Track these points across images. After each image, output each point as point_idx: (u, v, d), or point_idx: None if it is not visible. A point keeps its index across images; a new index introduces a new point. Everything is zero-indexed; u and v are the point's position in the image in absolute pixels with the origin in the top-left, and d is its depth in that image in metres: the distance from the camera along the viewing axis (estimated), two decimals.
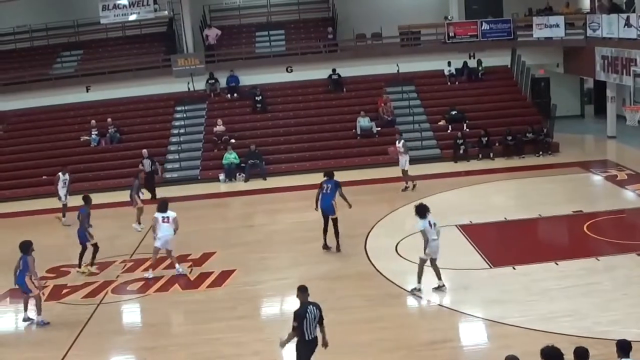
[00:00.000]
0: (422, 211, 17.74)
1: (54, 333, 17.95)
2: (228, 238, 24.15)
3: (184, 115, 38.18)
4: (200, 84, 39.09)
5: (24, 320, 18.89)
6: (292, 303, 17.85)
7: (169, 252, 21.25)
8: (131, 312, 19.66)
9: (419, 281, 18.04)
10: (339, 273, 19.95)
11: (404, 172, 29.03)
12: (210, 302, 18.92)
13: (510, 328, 15.79)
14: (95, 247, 22.16)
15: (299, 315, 12.97)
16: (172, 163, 35.18)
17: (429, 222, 17.72)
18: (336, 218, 21.84)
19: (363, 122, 35.28)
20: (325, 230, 21.99)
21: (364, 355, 15.08)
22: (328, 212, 21.77)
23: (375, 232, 23.54)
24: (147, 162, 31.14)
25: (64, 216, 28.17)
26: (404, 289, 18.39)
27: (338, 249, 21.89)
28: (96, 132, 36.61)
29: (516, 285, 18.30)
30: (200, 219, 27.32)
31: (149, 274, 21.09)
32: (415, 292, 18.06)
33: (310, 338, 13.04)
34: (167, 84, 38.89)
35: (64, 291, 20.76)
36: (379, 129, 35.33)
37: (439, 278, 18.08)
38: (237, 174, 33.39)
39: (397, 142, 29.45)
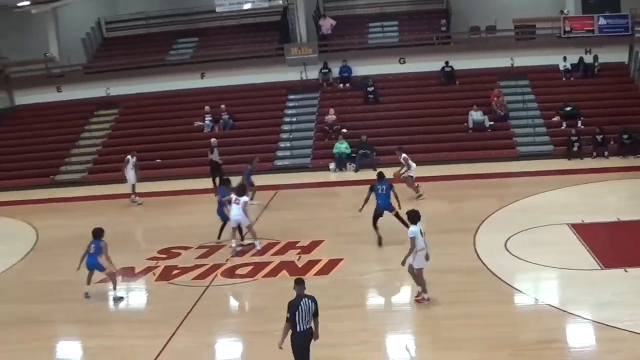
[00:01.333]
0: (414, 217, 17.31)
1: (164, 313, 18.36)
2: (337, 227, 24.23)
3: (297, 103, 38.48)
4: (313, 73, 39.32)
5: (87, 296, 19.72)
6: (399, 294, 17.93)
7: (249, 227, 22.65)
8: (239, 296, 19.98)
9: (425, 290, 17.48)
10: (446, 267, 19.72)
11: (407, 179, 28.03)
12: (317, 289, 18.83)
13: (619, 332, 15.30)
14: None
15: (292, 306, 13.24)
16: (283, 151, 35.55)
17: (420, 230, 17.24)
18: (397, 212, 22.07)
19: (475, 115, 34.92)
20: (376, 226, 22.22)
21: (469, 351, 14.89)
22: (388, 210, 22.17)
23: (485, 227, 23.23)
24: (216, 151, 31.71)
25: (135, 195, 30.17)
26: (512, 286, 18.18)
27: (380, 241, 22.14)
28: (210, 118, 37.27)
29: (627, 287, 17.74)
30: (310, 207, 27.53)
31: (257, 244, 22.44)
32: (426, 301, 17.49)
33: (302, 329, 13.23)
34: (280, 73, 39.25)
35: (174, 272, 21.25)
36: (492, 123, 34.92)
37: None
38: (348, 164, 33.49)
39: (399, 157, 28.51)
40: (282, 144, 36.01)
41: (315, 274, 20.08)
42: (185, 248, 23.28)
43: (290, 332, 13.27)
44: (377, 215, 22.27)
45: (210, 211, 24.14)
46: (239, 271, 20.89)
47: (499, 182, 29.22)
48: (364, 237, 22.60)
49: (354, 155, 33.56)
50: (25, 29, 43.51)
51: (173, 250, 23.22)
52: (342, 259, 20.96)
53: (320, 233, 23.50)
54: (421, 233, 17.16)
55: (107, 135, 38.96)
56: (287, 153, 35.52)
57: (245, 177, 27.27)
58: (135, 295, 20.80)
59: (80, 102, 40.98)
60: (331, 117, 35.93)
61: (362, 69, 39.13)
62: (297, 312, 13.17)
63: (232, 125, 37.20)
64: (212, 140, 32.39)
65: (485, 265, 19.66)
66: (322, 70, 39.26)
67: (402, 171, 28.02)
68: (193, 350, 16.12)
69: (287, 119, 37.59)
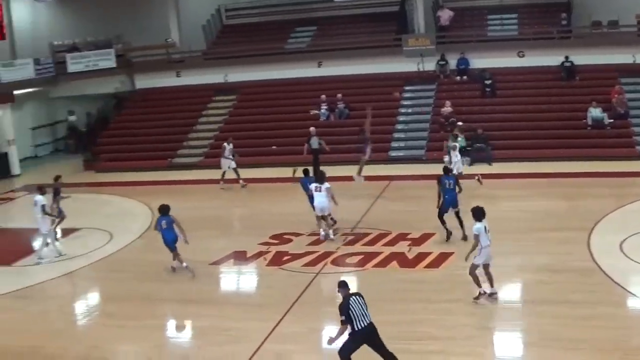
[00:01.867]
0: (478, 214, 17.25)
1: (273, 297, 18.66)
2: (448, 220, 23.98)
3: (413, 94, 38.31)
4: (429, 65, 39.02)
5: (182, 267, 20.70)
6: (509, 291, 17.76)
7: (328, 216, 23.13)
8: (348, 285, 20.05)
9: (480, 285, 17.40)
10: (559, 266, 19.45)
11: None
12: (426, 282, 18.98)
13: None
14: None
15: (344, 307, 13.37)
16: (398, 142, 35.39)
17: (485, 227, 17.17)
18: (458, 210, 22.08)
19: (594, 112, 34.08)
20: (443, 221, 22.24)
21: (576, 352, 14.62)
22: (453, 206, 22.19)
23: (601, 227, 22.65)
24: (314, 140, 31.87)
25: (241, 179, 31.15)
26: (626, 289, 17.75)
27: (464, 237, 21.72)
28: (326, 107, 37.51)
29: None
30: (423, 199, 27.20)
31: (329, 234, 22.97)
32: (482, 295, 17.45)
33: (360, 327, 13.29)
34: (396, 63, 39.06)
35: (285, 258, 21.59)
36: (612, 121, 34.03)
37: (492, 285, 17.46)
38: (462, 157, 33.12)
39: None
40: (396, 135, 35.90)
41: (426, 267, 20.09)
42: (297, 234, 23.59)
43: (349, 331, 13.44)
44: (443, 211, 22.21)
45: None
46: (349, 260, 21.06)
47: (618, 181, 28.54)
48: None
49: (468, 148, 33.21)
50: (147, 14, 44.69)
51: (285, 236, 23.56)
52: (452, 253, 20.77)
53: (432, 226, 23.29)
54: (485, 230, 17.15)
55: (224, 121, 39.67)
56: (402, 144, 35.34)
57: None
58: (246, 279, 21.25)
59: (198, 87, 41.85)
60: (447, 109, 35.64)
61: (479, 61, 38.59)
62: (350, 312, 13.31)
63: (347, 114, 37.34)
64: (311, 129, 32.60)
65: (599, 266, 19.22)
66: (439, 62, 38.99)
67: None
68: (300, 336, 16.34)
69: (402, 110, 37.44)
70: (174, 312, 18.79)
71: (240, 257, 22.17)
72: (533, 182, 28.77)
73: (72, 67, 41.85)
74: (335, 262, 20.96)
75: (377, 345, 13.52)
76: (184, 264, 20.52)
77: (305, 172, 24.95)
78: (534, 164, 31.23)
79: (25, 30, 44.71)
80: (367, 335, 13.42)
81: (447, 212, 22.16)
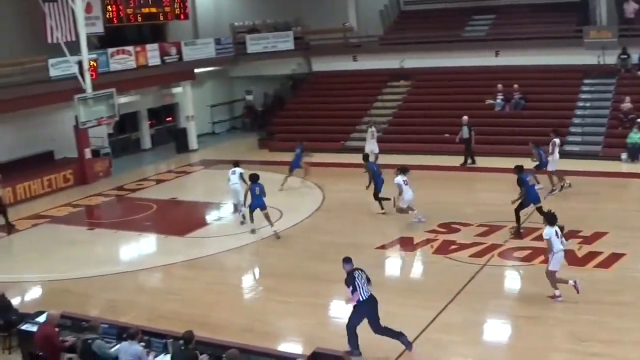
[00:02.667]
0: (551, 219, 17.10)
1: (438, 285, 18.70)
2: (622, 220, 23.22)
3: (591, 88, 37.21)
4: (610, 58, 37.75)
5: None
6: None
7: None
8: (514, 279, 19.85)
9: (561, 283, 17.26)
10: None
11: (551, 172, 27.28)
12: (595, 282, 18.46)
13: None
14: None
15: (350, 279, 14.97)
16: (574, 136, 34.36)
17: (555, 231, 16.84)
18: (541, 206, 21.85)
19: None
20: (518, 217, 22.33)
21: None
22: (535, 201, 22.16)
23: None
24: (464, 129, 31.94)
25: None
26: None
27: (519, 232, 21.96)
28: (501, 97, 36.98)
29: None
30: (596, 196, 26.56)
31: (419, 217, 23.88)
32: (558, 298, 17.24)
33: (364, 298, 14.84)
34: (576, 56, 37.85)
35: (452, 247, 21.58)
36: None
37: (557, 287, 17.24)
38: None
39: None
40: (573, 129, 34.87)
41: (595, 266, 19.53)
42: (466, 225, 23.48)
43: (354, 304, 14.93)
44: (524, 206, 22.18)
45: (493, 190, 24.05)
46: (516, 254, 20.78)
47: None
48: None
49: None
50: None
51: (453, 226, 23.51)
52: (625, 254, 20.10)
53: (604, 225, 22.68)
54: (557, 234, 16.93)
55: (397, 107, 39.75)
56: (578, 139, 34.27)
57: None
58: (410, 266, 21.32)
59: (374, 72, 42.05)
60: (627, 105, 34.37)
61: None
62: (355, 283, 14.81)
63: (523, 105, 36.68)
64: (464, 118, 32.36)
65: None
66: (621, 56, 37.59)
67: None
68: (462, 325, 16.34)
69: (580, 104, 36.36)
70: (337, 291, 18.98)
71: (406, 243, 22.34)
72: None
73: (251, 48, 43.14)
74: (502, 255, 20.76)
75: (375, 319, 14.91)
76: (253, 227, 23.63)
77: (366, 157, 27.10)
78: None
79: (208, 11, 46.33)
80: (369, 305, 14.85)
81: (527, 206, 22.24)
